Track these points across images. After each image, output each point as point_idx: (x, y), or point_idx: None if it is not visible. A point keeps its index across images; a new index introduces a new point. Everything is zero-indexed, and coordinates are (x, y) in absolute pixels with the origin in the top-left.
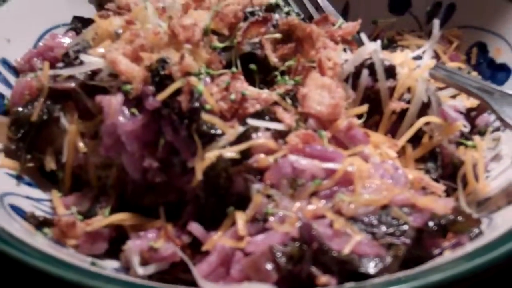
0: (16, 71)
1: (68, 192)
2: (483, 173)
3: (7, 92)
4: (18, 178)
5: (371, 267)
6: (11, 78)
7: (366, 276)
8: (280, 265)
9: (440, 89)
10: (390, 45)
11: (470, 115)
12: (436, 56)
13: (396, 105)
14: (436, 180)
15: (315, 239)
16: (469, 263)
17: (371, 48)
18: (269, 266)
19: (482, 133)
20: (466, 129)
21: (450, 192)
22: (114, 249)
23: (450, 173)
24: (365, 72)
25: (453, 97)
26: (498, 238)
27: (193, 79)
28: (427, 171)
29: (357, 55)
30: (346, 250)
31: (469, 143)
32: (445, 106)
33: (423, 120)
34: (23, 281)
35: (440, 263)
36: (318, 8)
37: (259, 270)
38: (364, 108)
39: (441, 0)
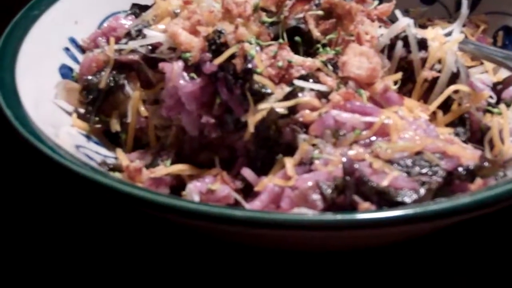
0: (82, 49)
1: (130, 152)
2: (508, 137)
3: (75, 66)
4: (87, 137)
5: (407, 197)
6: (78, 55)
7: (402, 206)
8: (325, 195)
9: (468, 67)
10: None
11: (496, 88)
12: (465, 38)
13: (427, 73)
14: (465, 143)
15: (357, 171)
16: (494, 190)
17: (405, 23)
18: (315, 197)
19: (508, 105)
20: (493, 100)
21: None
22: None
23: (478, 138)
24: (399, 44)
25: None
26: None
27: (246, 45)
28: (457, 135)
29: (392, 29)
30: (385, 182)
31: (495, 110)
32: (473, 78)
33: (452, 87)
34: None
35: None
36: None
37: (307, 200)
38: (398, 75)
39: None
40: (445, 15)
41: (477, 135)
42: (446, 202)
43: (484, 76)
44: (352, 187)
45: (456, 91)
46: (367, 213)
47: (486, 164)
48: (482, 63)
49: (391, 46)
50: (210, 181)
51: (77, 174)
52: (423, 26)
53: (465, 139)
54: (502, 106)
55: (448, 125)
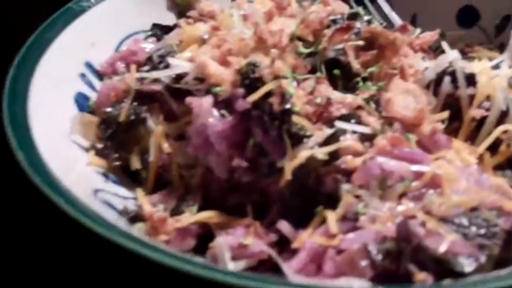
0: (99, 74)
1: (151, 191)
2: None
3: (92, 94)
4: (105, 176)
5: (466, 266)
6: (95, 81)
7: (461, 275)
8: (375, 261)
9: None
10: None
11: None
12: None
13: (476, 112)
14: None
15: (413, 237)
16: None
17: (453, 56)
18: (364, 263)
19: None
20: None
21: None
22: (198, 247)
23: None
24: (447, 79)
25: None
26: None
27: (284, 82)
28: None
29: (438, 62)
30: (442, 248)
31: None
32: None
33: (502, 128)
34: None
35: None
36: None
37: (354, 267)
38: (446, 114)
39: (510, 13)
40: (483, 40)
41: None
42: None
43: None
44: (408, 255)
45: (505, 131)
46: None
47: None
48: None
49: (437, 81)
50: (242, 233)
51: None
52: (461, 52)
53: None
54: None
55: (496, 168)
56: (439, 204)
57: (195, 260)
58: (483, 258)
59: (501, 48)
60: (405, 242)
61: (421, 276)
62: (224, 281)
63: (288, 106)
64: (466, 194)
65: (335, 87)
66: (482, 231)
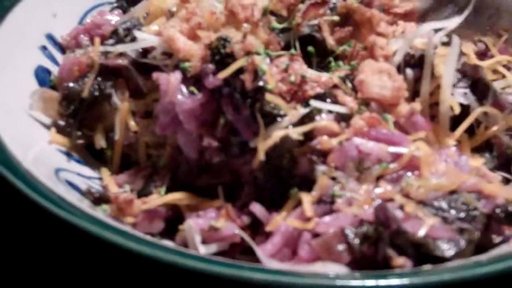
0: (61, 47)
1: (117, 171)
2: None
3: (54, 68)
4: (68, 155)
5: (446, 250)
6: (57, 54)
7: (440, 260)
8: (353, 246)
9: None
10: None
11: None
12: (486, 48)
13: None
14: (492, 171)
15: (392, 221)
16: None
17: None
18: (341, 247)
19: None
20: None
21: (505, 183)
22: (167, 230)
23: (504, 163)
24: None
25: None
26: None
27: (257, 58)
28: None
29: (405, 44)
30: (421, 232)
31: None
32: (501, 97)
33: (479, 110)
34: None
35: None
36: None
37: (331, 251)
38: (426, 97)
39: None
40: None
41: (503, 160)
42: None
43: (509, 92)
44: (386, 240)
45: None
46: (408, 277)
47: None
48: (504, 77)
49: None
50: (213, 216)
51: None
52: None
53: (492, 167)
54: None
55: (473, 150)
56: (418, 187)
57: (164, 244)
58: (463, 243)
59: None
60: (383, 226)
61: (400, 261)
62: (195, 267)
63: (260, 83)
64: (445, 176)
65: (309, 65)
66: (462, 214)
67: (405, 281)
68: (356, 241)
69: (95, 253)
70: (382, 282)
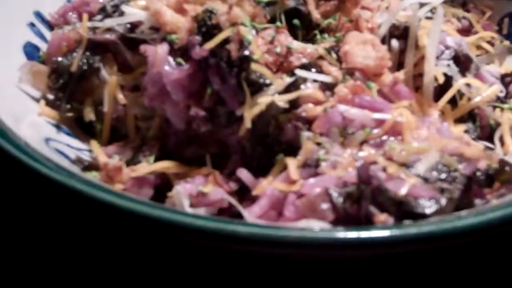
0: (49, 25)
1: (106, 143)
2: None
3: (42, 45)
4: (57, 127)
5: (427, 208)
6: (45, 32)
7: (422, 217)
8: (336, 204)
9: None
10: None
11: (504, 80)
12: (470, 25)
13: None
14: (475, 140)
15: (374, 179)
16: None
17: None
18: (325, 206)
19: None
20: (502, 94)
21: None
22: (156, 198)
23: (487, 134)
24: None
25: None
26: None
27: (242, 29)
28: (466, 131)
29: (389, 17)
30: (403, 191)
31: (506, 105)
32: (483, 70)
33: (462, 81)
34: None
35: (498, 204)
36: None
37: (315, 210)
38: (410, 67)
39: None
40: None
41: (486, 131)
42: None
43: (492, 67)
44: (368, 197)
45: (466, 85)
46: (389, 229)
47: (507, 168)
48: (487, 52)
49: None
50: (201, 182)
51: (54, 181)
52: None
53: (475, 136)
54: None
55: (457, 121)
56: (400, 150)
57: (153, 203)
58: (443, 201)
59: (464, 5)
60: (366, 184)
61: (382, 218)
62: (181, 221)
63: (246, 53)
64: (426, 141)
65: (295, 37)
66: (443, 175)
67: (386, 233)
68: (340, 199)
69: (86, 215)
70: (364, 234)
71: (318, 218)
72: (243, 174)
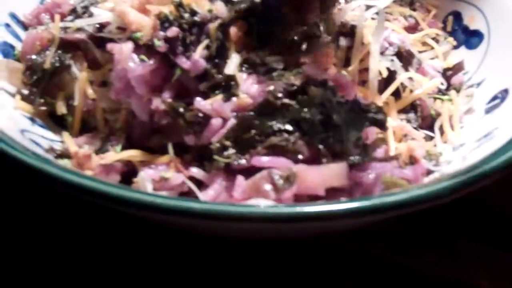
0: (24, 25)
1: (77, 135)
2: (458, 123)
3: (17, 44)
4: (32, 120)
5: None
6: (20, 32)
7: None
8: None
9: (419, 52)
10: None
11: (446, 74)
12: (416, 23)
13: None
14: (416, 129)
15: None
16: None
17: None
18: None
19: (457, 91)
20: (443, 86)
21: (428, 140)
22: (123, 183)
23: (429, 124)
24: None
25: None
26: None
27: None
28: (408, 121)
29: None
30: None
31: (446, 97)
32: (425, 64)
33: (405, 75)
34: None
35: None
36: None
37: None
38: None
39: None
40: None
41: (428, 121)
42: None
43: (435, 61)
44: None
45: (409, 78)
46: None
47: None
48: (432, 48)
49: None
50: (163, 168)
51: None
52: None
53: (416, 126)
54: (452, 92)
55: (400, 112)
56: None
57: (117, 184)
58: None
59: (411, 4)
60: None
61: None
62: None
63: None
64: None
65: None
66: None
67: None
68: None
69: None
70: (297, 209)
71: (262, 197)
72: (195, 172)
